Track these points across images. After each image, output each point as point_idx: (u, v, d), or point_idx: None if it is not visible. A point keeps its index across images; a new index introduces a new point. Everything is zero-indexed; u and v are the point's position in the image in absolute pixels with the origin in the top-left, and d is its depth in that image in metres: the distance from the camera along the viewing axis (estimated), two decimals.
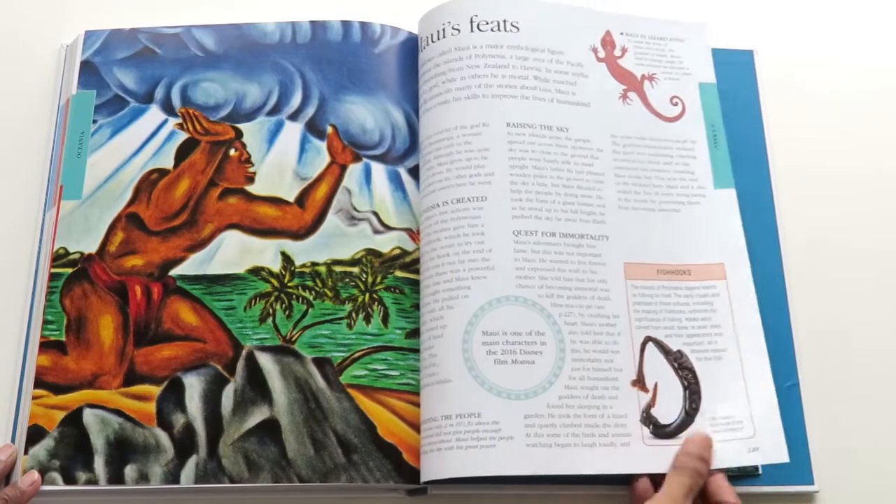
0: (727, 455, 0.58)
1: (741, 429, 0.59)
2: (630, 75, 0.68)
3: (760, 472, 0.61)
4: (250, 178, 0.66)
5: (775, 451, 0.59)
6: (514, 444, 0.56)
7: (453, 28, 0.67)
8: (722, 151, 0.67)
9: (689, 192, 0.65)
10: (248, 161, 0.66)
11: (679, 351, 0.61)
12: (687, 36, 0.71)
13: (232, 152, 0.67)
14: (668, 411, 0.59)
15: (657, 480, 0.58)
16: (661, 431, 0.59)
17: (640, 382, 0.60)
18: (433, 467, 0.57)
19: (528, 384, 0.58)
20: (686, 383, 0.60)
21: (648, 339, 0.61)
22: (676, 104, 0.68)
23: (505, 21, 0.67)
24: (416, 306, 0.62)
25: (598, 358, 0.59)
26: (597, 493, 0.61)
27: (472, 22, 0.67)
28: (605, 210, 0.63)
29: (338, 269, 0.63)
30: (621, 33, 0.70)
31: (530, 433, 0.57)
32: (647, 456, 0.58)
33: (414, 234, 0.64)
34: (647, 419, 0.59)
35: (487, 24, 0.66)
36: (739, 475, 0.60)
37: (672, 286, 0.62)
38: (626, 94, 0.68)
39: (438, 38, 0.67)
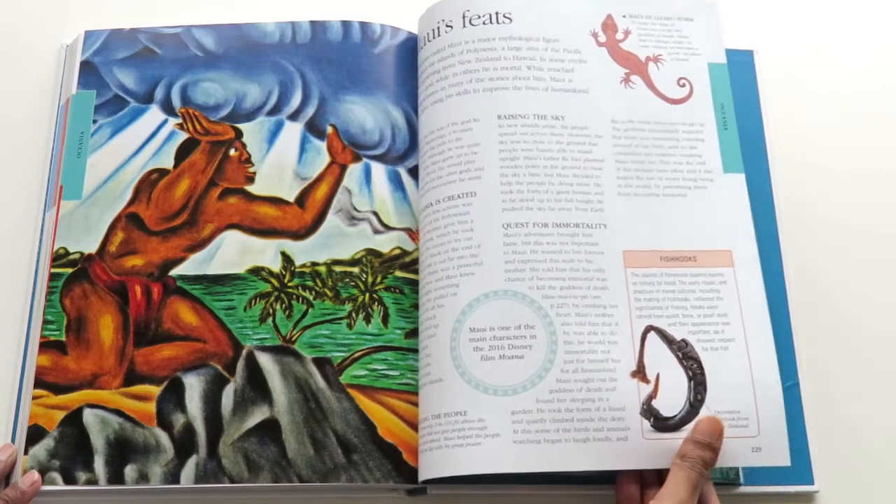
0: (729, 454, 0.55)
1: (746, 426, 0.56)
2: (633, 58, 0.67)
3: (742, 481, 0.60)
4: (250, 178, 0.66)
5: (778, 453, 0.56)
6: (499, 442, 0.55)
7: (447, 25, 0.66)
8: (731, 134, 0.65)
9: (697, 177, 0.63)
10: (248, 161, 0.66)
11: (683, 340, 0.58)
12: (696, 15, 0.68)
13: (232, 152, 0.67)
14: (671, 403, 0.57)
15: (647, 481, 0.57)
16: (663, 424, 0.56)
17: (640, 373, 0.57)
18: (427, 467, 0.57)
19: (516, 380, 0.57)
20: (691, 374, 0.57)
21: (650, 328, 0.59)
22: (684, 85, 0.66)
23: (497, 13, 0.66)
24: (416, 306, 0.62)
25: (594, 349, 0.58)
26: (599, 493, 0.60)
27: (464, 17, 0.66)
28: (604, 198, 0.62)
29: (338, 269, 0.63)
30: (624, 16, 0.68)
31: (517, 430, 0.55)
32: (645, 450, 0.56)
33: (414, 234, 0.64)
34: (648, 412, 0.56)
35: (479, 17, 0.66)
36: (721, 482, 0.59)
37: (676, 273, 0.60)
38: (629, 78, 0.66)
39: (434, 37, 0.67)
